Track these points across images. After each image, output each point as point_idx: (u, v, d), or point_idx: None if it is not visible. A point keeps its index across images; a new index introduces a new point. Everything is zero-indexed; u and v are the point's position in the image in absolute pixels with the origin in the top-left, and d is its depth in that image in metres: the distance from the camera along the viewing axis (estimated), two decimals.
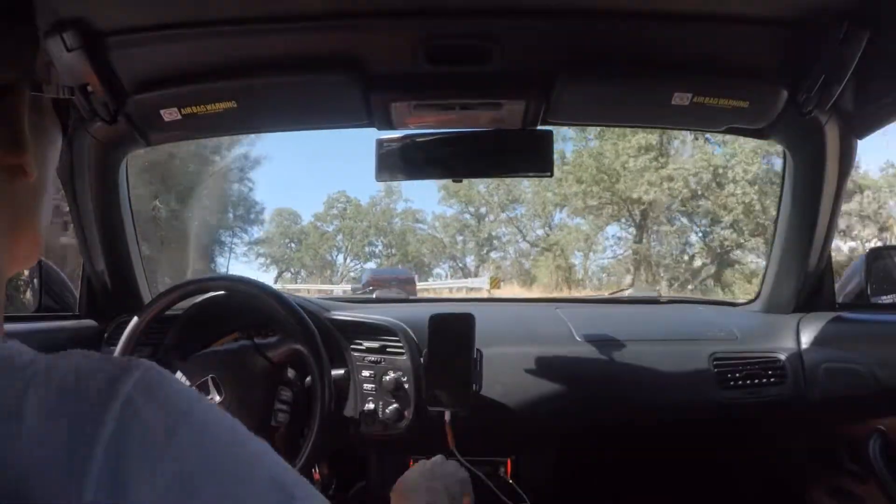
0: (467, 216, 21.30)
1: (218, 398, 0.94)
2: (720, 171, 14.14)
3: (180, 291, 1.01)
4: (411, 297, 1.66)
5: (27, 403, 0.27)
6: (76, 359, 0.30)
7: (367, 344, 1.13)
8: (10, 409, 0.27)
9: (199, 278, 1.04)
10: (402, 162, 1.16)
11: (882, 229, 13.36)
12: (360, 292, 15.95)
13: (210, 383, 0.95)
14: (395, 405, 1.08)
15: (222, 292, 1.09)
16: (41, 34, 0.39)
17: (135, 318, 1.01)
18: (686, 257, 15.70)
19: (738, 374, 1.15)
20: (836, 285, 1.29)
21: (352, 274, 21.94)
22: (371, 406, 1.09)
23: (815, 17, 0.87)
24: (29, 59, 0.37)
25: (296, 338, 1.01)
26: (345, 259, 23.18)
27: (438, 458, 0.84)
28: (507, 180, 15.32)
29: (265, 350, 1.02)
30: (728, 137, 12.34)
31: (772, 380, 1.16)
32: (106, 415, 0.27)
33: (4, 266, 0.37)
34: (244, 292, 1.01)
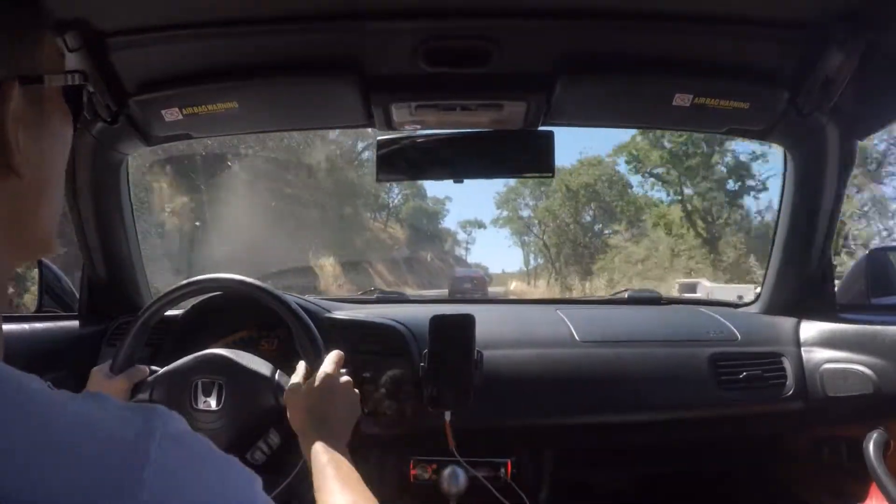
0: None
1: (214, 405, 0.91)
2: None
3: (181, 291, 1.01)
4: (412, 298, 1.65)
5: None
6: (93, 404, 0.31)
7: (367, 344, 1.13)
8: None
9: (197, 279, 1.03)
10: (402, 163, 1.16)
11: None
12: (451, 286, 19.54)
13: (215, 387, 0.92)
14: (395, 406, 1.08)
15: (220, 293, 1.09)
16: (45, 24, 0.38)
17: (138, 319, 1.00)
18: None
19: (738, 376, 1.15)
20: (837, 286, 1.29)
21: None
22: (371, 407, 1.09)
23: (816, 18, 0.87)
24: (24, 53, 0.36)
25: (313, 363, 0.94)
26: None
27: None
28: None
29: (282, 391, 0.93)
30: None
31: (772, 381, 1.16)
32: (146, 461, 0.29)
33: (5, 264, 0.37)
34: (243, 293, 1.01)
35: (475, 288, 18.53)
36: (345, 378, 0.86)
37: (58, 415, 0.29)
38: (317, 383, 0.83)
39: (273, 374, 0.95)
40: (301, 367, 0.89)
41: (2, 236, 0.36)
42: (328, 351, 0.93)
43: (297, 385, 0.85)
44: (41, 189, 0.38)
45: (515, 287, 28.37)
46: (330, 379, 0.84)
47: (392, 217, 31.60)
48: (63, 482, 0.27)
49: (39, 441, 0.27)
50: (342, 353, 0.90)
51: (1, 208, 0.35)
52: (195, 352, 0.99)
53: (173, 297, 1.01)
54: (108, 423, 0.30)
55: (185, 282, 1.02)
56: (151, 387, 0.94)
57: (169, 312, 1.06)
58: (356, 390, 0.86)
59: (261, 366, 0.96)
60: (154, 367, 0.99)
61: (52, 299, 1.33)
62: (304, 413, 0.81)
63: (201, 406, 0.91)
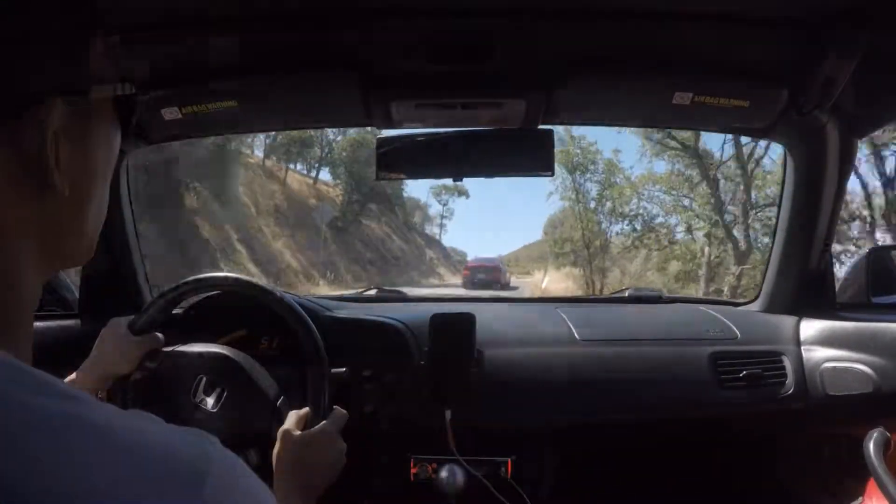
0: None
1: (210, 405, 0.89)
2: None
3: (183, 288, 1.00)
4: (411, 297, 1.66)
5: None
6: (148, 423, 0.31)
7: (367, 343, 1.13)
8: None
9: (195, 277, 1.03)
10: (402, 161, 1.16)
11: None
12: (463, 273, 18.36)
13: (216, 390, 0.90)
14: (395, 405, 1.08)
15: (217, 292, 1.08)
16: (97, 30, 0.36)
17: (163, 295, 0.97)
18: None
19: (738, 374, 1.15)
20: (837, 285, 1.30)
21: None
22: (371, 406, 1.09)
23: (816, 17, 0.87)
24: (71, 65, 0.34)
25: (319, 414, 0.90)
26: None
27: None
28: None
29: (279, 420, 0.90)
30: None
31: (772, 380, 1.16)
32: (206, 480, 0.28)
33: (37, 273, 0.35)
34: (242, 292, 1.01)
35: (489, 279, 17.09)
36: (340, 443, 0.83)
37: (113, 431, 0.28)
38: (315, 436, 0.81)
39: (277, 398, 0.93)
40: (303, 411, 0.86)
41: (41, 250, 0.34)
42: (327, 350, 0.93)
43: (290, 430, 0.82)
44: (85, 202, 0.37)
45: (549, 286, 15.35)
46: (328, 438, 0.82)
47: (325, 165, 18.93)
48: (120, 500, 0.26)
49: (98, 458, 0.26)
50: (346, 413, 0.87)
51: (39, 225, 0.34)
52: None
53: (199, 286, 1.00)
54: (165, 442, 0.29)
55: (220, 274, 1.01)
56: (162, 359, 0.93)
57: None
58: (345, 458, 0.84)
59: (269, 385, 0.94)
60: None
61: (52, 298, 1.33)
62: (292, 459, 0.79)
63: (198, 401, 0.90)
